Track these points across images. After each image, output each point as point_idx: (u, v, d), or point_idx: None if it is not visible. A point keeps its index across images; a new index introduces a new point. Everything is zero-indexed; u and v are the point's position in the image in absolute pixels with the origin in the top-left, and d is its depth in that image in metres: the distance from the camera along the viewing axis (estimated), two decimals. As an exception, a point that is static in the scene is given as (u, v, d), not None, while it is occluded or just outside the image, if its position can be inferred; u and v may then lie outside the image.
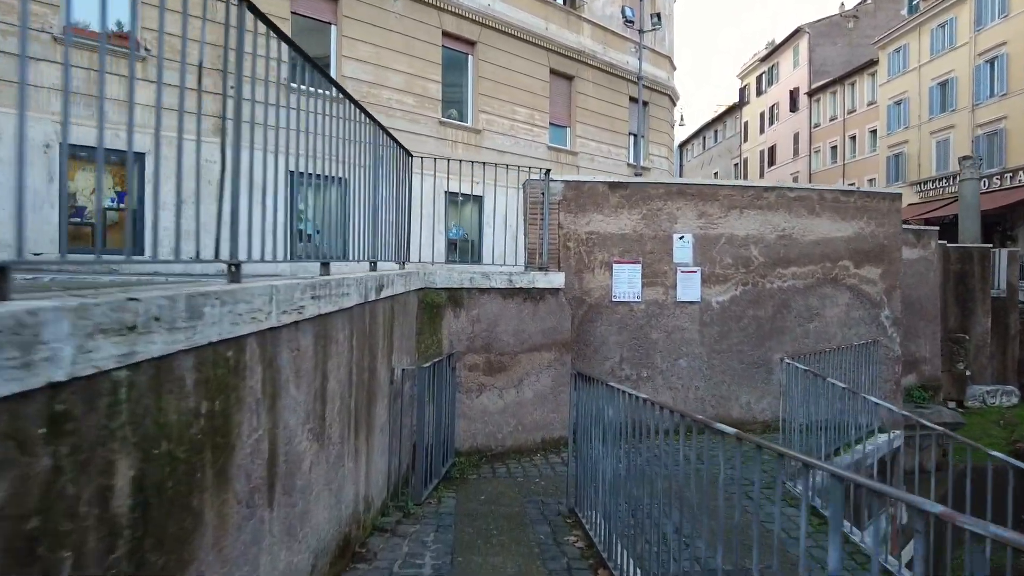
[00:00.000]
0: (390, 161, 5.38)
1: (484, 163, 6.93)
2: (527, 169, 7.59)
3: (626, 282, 7.76)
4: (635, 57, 22.37)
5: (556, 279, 7.05)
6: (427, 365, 5.20)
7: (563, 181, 7.68)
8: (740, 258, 8.12)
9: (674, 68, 26.32)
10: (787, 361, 5.99)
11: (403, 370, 5.13)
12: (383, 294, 4.51)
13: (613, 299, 7.72)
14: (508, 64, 17.51)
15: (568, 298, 7.48)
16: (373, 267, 4.91)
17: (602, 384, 4.50)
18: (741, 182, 8.23)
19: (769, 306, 8.20)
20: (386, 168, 5.32)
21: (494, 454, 6.76)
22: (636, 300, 7.78)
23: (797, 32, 42.58)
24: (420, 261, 6.91)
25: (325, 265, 3.74)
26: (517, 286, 6.89)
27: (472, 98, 16.53)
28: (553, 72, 19.02)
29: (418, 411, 5.14)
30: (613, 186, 7.79)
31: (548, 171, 7.14)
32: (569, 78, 19.76)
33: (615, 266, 7.74)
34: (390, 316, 4.87)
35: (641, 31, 20.93)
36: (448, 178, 6.95)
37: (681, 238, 7.95)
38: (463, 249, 10.45)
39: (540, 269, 7.19)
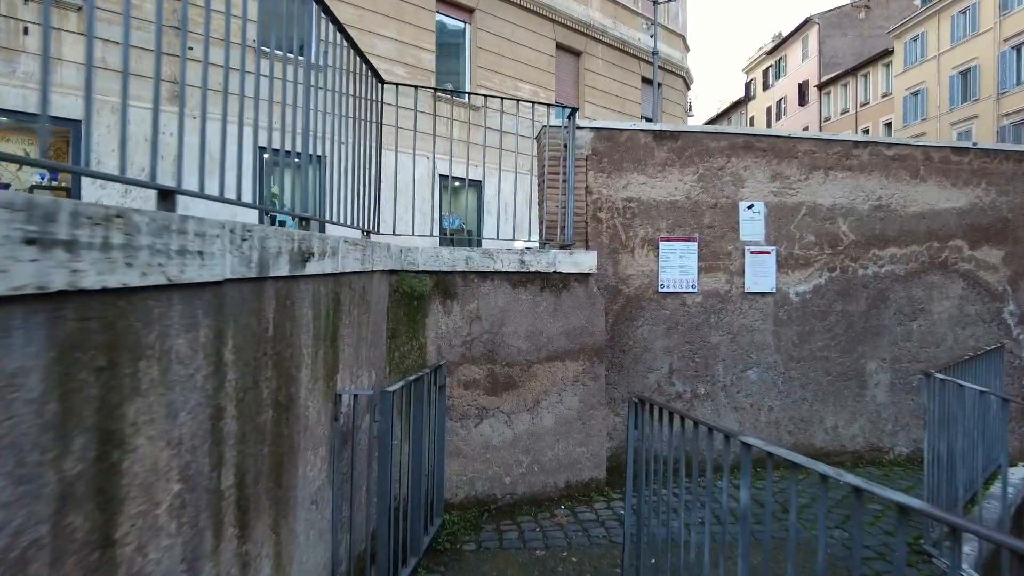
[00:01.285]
0: (347, 77, 3.51)
1: (485, 95, 5.05)
2: (530, 117, 5.72)
3: (677, 266, 5.89)
4: (647, 34, 20.64)
5: (585, 261, 5.18)
6: (396, 387, 3.33)
7: (592, 128, 5.80)
8: (825, 235, 6.25)
9: (688, 49, 24.59)
10: (939, 376, 4.11)
11: (356, 396, 3.24)
12: (312, 269, 2.64)
13: (660, 289, 5.86)
14: (510, 35, 15.79)
15: (600, 287, 5.60)
16: (305, 224, 3.04)
17: (697, 425, 2.65)
18: (825, 134, 6.34)
19: (862, 299, 6.33)
20: (337, 82, 3.46)
21: (500, 506, 4.89)
22: (690, 290, 5.92)
23: (806, 23, 41.03)
24: (396, 233, 5.03)
25: (166, 197, 1.87)
26: (532, 270, 5.01)
27: (470, 72, 14.86)
28: (560, 47, 17.38)
29: (381, 458, 3.26)
30: (659, 136, 5.92)
31: (574, 111, 5.27)
32: (577, 54, 18.10)
33: (662, 245, 5.87)
34: (331, 309, 2.99)
35: (655, 2, 19.15)
36: (433, 158, 5.08)
37: (750, 207, 6.08)
38: (460, 243, 8.56)
39: (563, 247, 5.33)
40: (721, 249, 6.02)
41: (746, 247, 6.05)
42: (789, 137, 6.22)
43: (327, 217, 3.54)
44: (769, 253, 6.09)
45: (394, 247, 4.45)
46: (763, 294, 6.09)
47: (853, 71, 37.10)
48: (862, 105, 36.49)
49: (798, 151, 6.21)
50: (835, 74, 38.43)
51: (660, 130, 5.92)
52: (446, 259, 4.79)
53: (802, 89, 41.65)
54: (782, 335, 6.13)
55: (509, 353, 4.95)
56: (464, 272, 4.86)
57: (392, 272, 4.52)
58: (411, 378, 3.70)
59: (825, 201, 6.26)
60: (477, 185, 12.94)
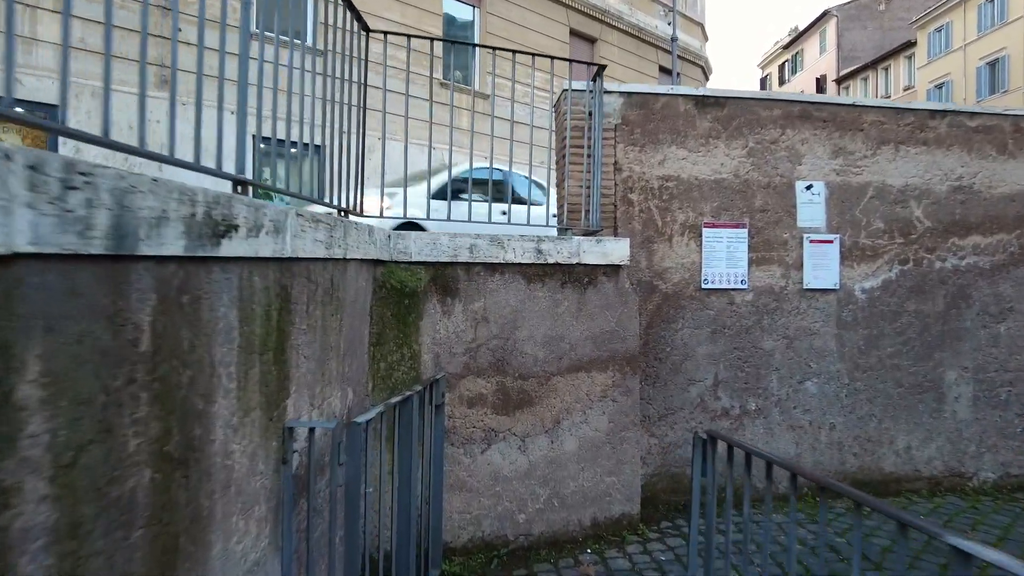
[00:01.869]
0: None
1: (494, 48, 4.18)
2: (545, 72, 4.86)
3: (724, 258, 5.00)
4: (664, 21, 19.80)
5: (615, 250, 4.31)
6: (370, 415, 2.47)
7: (622, 93, 4.92)
8: (896, 221, 5.34)
9: (706, 38, 23.67)
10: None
11: (312, 430, 2.38)
12: (235, 249, 1.78)
13: (703, 285, 4.97)
14: (521, 20, 15.01)
15: (632, 283, 4.72)
16: (241, 189, 2.19)
17: (823, 490, 1.77)
18: (896, 103, 5.42)
19: (939, 297, 5.41)
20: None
21: (512, 551, 4.02)
22: (739, 286, 5.03)
23: (824, 16, 39.95)
24: (383, 216, 4.17)
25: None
26: (551, 261, 4.15)
27: (480, 58, 14.11)
28: (574, 33, 16.64)
29: (350, 512, 2.41)
30: (702, 103, 5.03)
31: (601, 69, 4.38)
32: (591, 40, 17.35)
33: (706, 232, 4.99)
34: (274, 308, 2.14)
35: (673, -13, 18.27)
36: (425, 145, 4.23)
37: (808, 188, 5.18)
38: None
39: (588, 234, 4.46)
40: (775, 237, 5.13)
41: (804, 235, 5.15)
42: (854, 105, 5.31)
43: (281, 184, 2.69)
44: (831, 242, 5.19)
45: (380, 231, 3.60)
46: (824, 291, 5.19)
47: (873, 64, 35.94)
48: (883, 99, 35.42)
49: (864, 122, 5.30)
50: (854, 68, 37.23)
51: (703, 96, 5.03)
52: (445, 247, 3.93)
53: (820, 84, 40.46)
54: (846, 340, 5.22)
55: (523, 363, 4.08)
56: (468, 264, 4.00)
57: (377, 263, 3.68)
58: (396, 399, 2.84)
59: (895, 181, 5.34)
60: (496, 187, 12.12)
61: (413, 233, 3.91)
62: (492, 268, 4.06)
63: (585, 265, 4.29)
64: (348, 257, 2.97)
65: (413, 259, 3.86)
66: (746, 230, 5.06)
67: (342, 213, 3.48)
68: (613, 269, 4.36)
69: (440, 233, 3.98)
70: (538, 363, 4.14)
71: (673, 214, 4.97)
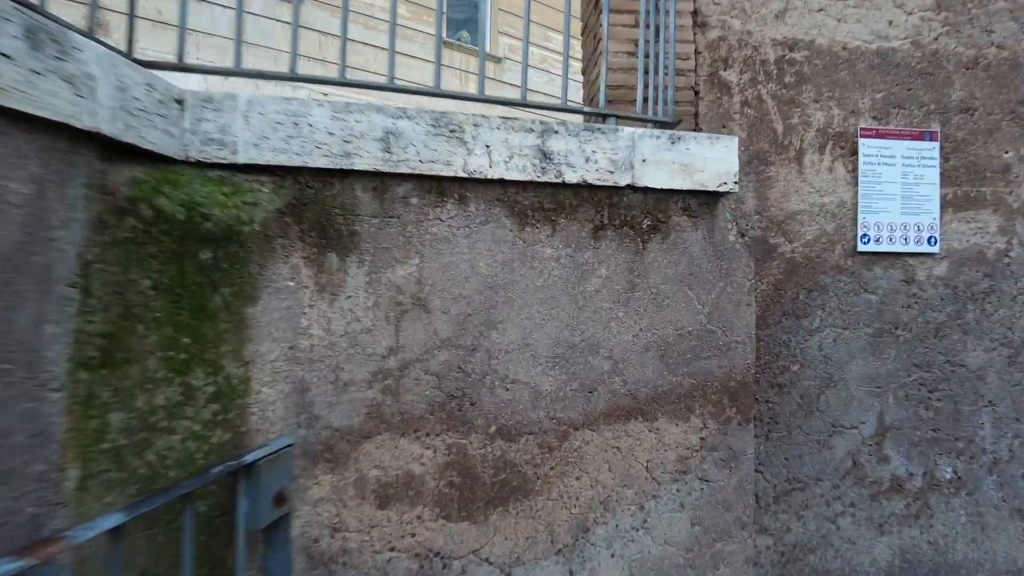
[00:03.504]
0: None
1: None
2: None
3: (896, 195, 2.74)
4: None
5: (710, 158, 2.09)
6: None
7: None
8: None
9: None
10: None
11: None
12: None
13: (860, 246, 2.72)
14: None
15: (741, 238, 2.46)
16: None
17: None
18: None
19: None
20: None
21: None
22: (925, 248, 2.77)
23: None
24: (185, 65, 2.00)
25: None
26: (570, 179, 1.96)
27: (490, 16, 11.90)
28: (601, -18, 14.31)
29: None
30: (862, -103, 2.77)
31: None
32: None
33: (866, 146, 2.73)
34: None
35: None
36: None
37: (1048, 69, 2.90)
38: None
39: (656, 124, 2.24)
40: (990, 159, 2.85)
41: (1044, 155, 2.87)
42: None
43: None
44: (1092, 169, 2.90)
45: (134, 76, 1.42)
46: (1078, 259, 2.91)
47: None
48: None
49: None
50: None
51: None
52: (322, 133, 1.74)
53: None
54: (1113, 349, 2.94)
55: (508, 401, 1.90)
56: (381, 176, 1.83)
57: (114, 150, 1.48)
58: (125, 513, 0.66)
59: None
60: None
61: (244, 97, 1.71)
62: (439, 191, 1.88)
63: (646, 191, 2.08)
64: None
65: (239, 159, 1.68)
66: (936, 144, 2.79)
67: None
68: (704, 202, 2.15)
69: (310, 102, 1.78)
70: (541, 401, 1.94)
71: (804, 111, 2.72)
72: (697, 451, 2.13)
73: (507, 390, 1.93)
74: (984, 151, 2.86)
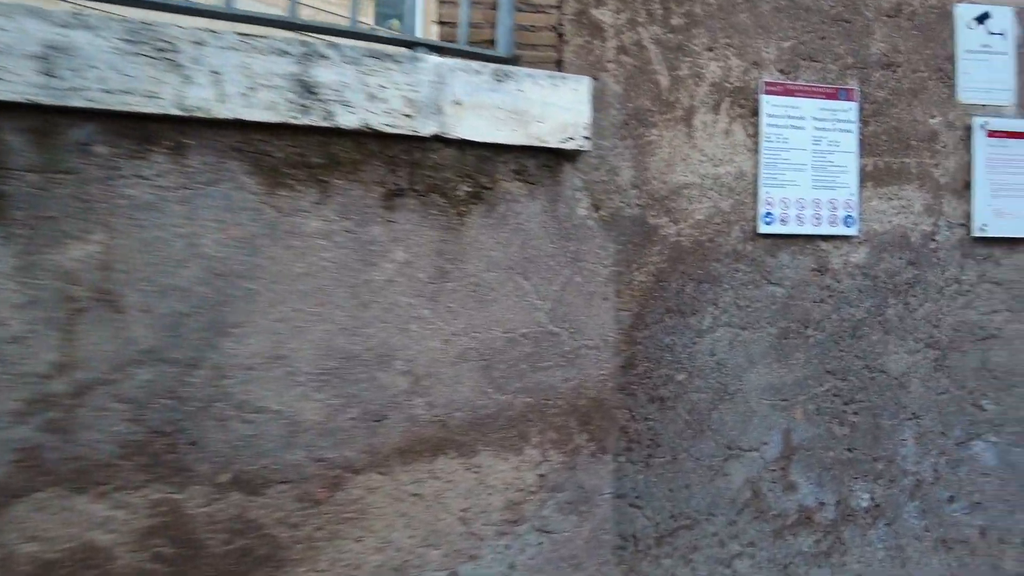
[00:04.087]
0: None
1: None
2: None
3: (806, 164, 2.29)
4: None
5: (552, 105, 1.58)
6: None
7: None
8: None
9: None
10: None
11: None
12: None
13: (763, 226, 2.25)
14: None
15: (602, 214, 1.95)
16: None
17: None
18: None
19: None
20: None
21: None
22: (842, 231, 2.32)
23: None
24: None
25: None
26: (347, 123, 1.42)
27: None
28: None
29: None
30: None
31: None
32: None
33: (769, 104, 2.27)
34: None
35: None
36: None
37: (981, 20, 2.48)
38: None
39: (482, 59, 1.72)
40: (915, 124, 2.42)
41: (975, 120, 2.46)
42: None
43: None
44: (1031, 139, 2.51)
45: None
46: (1014, 243, 2.51)
47: None
48: None
49: None
50: None
51: None
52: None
53: None
54: (1052, 349, 2.56)
55: (246, 436, 1.35)
56: (42, 111, 1.25)
57: None
58: None
59: None
60: None
61: None
62: (141, 136, 1.31)
63: (463, 145, 1.56)
64: None
65: None
66: (854, 105, 2.34)
67: None
68: (545, 163, 1.64)
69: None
70: (301, 436, 1.40)
71: (695, 61, 2.23)
72: (534, 493, 1.62)
73: (248, 422, 1.37)
74: (908, 115, 2.43)
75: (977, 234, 2.45)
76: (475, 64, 1.56)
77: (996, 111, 2.50)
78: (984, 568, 2.49)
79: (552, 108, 1.61)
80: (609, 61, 2.16)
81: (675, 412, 2.18)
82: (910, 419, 2.40)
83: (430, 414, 1.52)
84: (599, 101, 2.12)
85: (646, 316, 2.17)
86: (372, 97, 1.46)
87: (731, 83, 2.26)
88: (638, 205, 2.17)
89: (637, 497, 2.14)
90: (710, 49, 2.25)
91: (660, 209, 2.19)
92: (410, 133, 1.50)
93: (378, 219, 1.49)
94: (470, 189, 1.57)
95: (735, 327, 2.22)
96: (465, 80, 1.55)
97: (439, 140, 1.54)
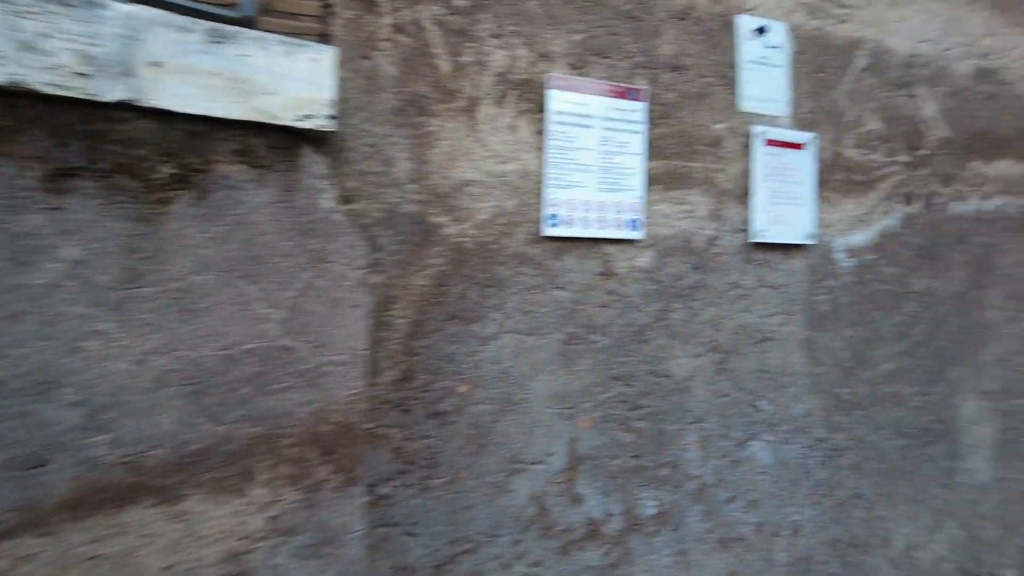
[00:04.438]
0: None
1: None
2: None
3: (594, 165, 2.22)
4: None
5: (293, 75, 1.33)
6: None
7: None
8: (898, 121, 2.91)
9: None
10: None
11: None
12: None
13: (547, 229, 2.14)
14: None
15: (370, 212, 1.72)
16: None
17: None
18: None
19: (955, 264, 3.10)
20: None
21: None
22: (628, 234, 2.28)
23: None
24: None
25: None
26: None
27: None
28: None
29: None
30: None
31: None
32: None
33: (557, 99, 2.17)
34: None
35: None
36: None
37: (760, 31, 2.57)
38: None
39: (202, 16, 1.41)
40: (701, 129, 2.44)
41: (753, 129, 2.53)
42: None
43: None
44: (801, 147, 2.63)
45: None
46: (787, 249, 2.62)
47: None
48: None
49: (850, -77, 2.80)
50: None
51: None
52: None
53: None
54: (820, 348, 2.70)
55: None
56: None
57: None
58: None
59: (899, 44, 2.92)
60: None
61: None
62: None
63: (166, 117, 1.26)
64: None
65: None
66: (643, 106, 2.31)
67: None
68: (278, 145, 1.38)
69: None
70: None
71: (480, 47, 2.07)
72: (263, 539, 1.36)
73: None
74: (695, 119, 2.45)
75: (755, 240, 2.53)
76: (182, 19, 1.27)
77: (773, 121, 2.60)
78: (759, 563, 2.58)
79: (285, 80, 1.36)
80: (383, 40, 1.94)
81: (456, 427, 2.01)
82: (694, 423, 2.42)
83: (115, 455, 1.21)
84: (370, 83, 1.89)
85: (426, 323, 1.98)
86: (27, 47, 1.12)
87: (518, 75, 2.13)
88: (417, 201, 1.97)
89: (413, 524, 1.94)
90: (496, 36, 2.10)
91: (441, 207, 2.00)
92: (86, 98, 1.18)
93: (38, 205, 1.15)
94: (175, 171, 1.27)
95: (520, 333, 2.09)
96: (168, 37, 1.25)
97: (130, 109, 1.23)
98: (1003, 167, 3.25)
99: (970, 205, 3.14)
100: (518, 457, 2.08)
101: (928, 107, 3.01)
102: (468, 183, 2.04)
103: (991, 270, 3.22)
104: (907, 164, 2.93)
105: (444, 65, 2.03)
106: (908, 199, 2.95)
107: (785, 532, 2.64)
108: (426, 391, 1.96)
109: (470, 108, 2.05)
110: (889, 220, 2.89)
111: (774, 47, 2.60)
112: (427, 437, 1.96)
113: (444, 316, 2.00)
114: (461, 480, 2.01)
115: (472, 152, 2.05)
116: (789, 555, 2.65)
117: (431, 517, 1.97)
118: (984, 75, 3.18)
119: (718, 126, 2.47)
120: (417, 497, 1.94)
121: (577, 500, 2.18)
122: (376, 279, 1.88)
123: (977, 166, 3.17)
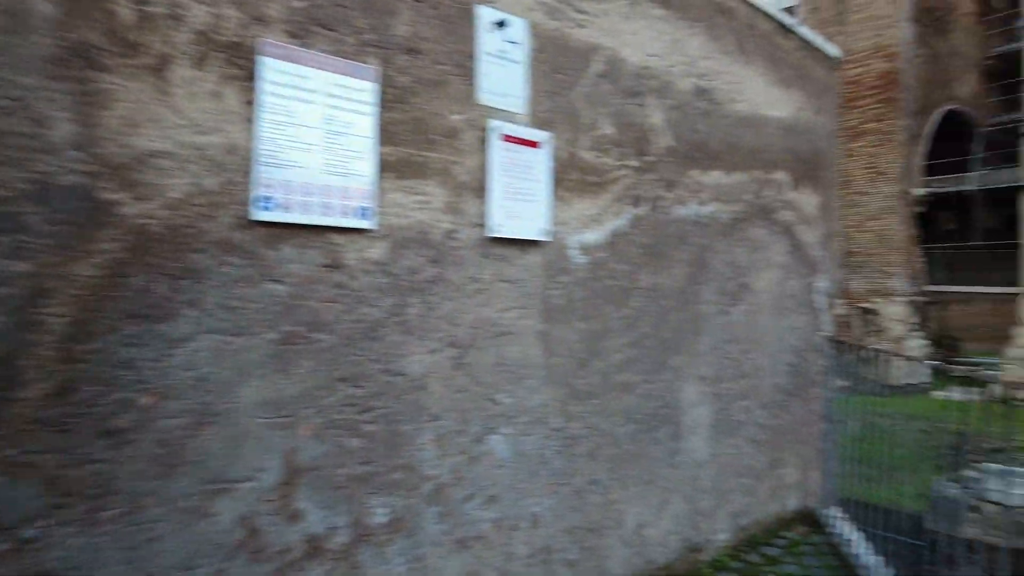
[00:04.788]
0: None
1: None
2: None
3: (318, 145, 2.01)
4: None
5: None
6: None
7: None
8: (630, 127, 3.09)
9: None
10: None
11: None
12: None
13: (260, 209, 1.89)
14: None
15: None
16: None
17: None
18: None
19: (677, 264, 3.39)
20: None
21: None
22: (359, 223, 2.10)
23: None
24: None
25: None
26: None
27: None
28: None
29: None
30: None
31: None
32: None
33: (271, 69, 1.92)
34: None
35: None
36: None
37: (501, 25, 2.54)
38: None
39: None
40: (436, 117, 2.34)
41: (490, 123, 2.50)
42: None
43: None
44: (537, 145, 2.66)
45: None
46: (524, 245, 2.64)
47: None
48: None
49: (587, -67, 2.91)
50: None
51: None
52: None
53: None
54: (556, 340, 2.77)
55: None
56: None
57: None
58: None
59: (632, 56, 3.10)
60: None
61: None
62: None
63: None
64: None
65: None
66: (373, 86, 2.15)
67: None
68: None
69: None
70: None
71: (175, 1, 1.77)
72: None
73: None
74: (432, 107, 2.35)
75: (492, 234, 2.50)
76: None
77: (511, 117, 2.60)
78: (498, 559, 2.57)
79: None
80: (33, -29, 1.56)
81: (137, 447, 1.68)
82: (430, 421, 2.32)
83: None
84: (15, 20, 1.51)
85: (94, 323, 1.63)
86: None
87: (223, 35, 1.85)
88: (82, 172, 1.61)
89: (74, 569, 1.58)
90: (195, -12, 1.81)
91: (118, 181, 1.66)
92: None
93: None
94: None
95: (224, 334, 1.82)
96: None
97: None
98: (716, 176, 3.64)
99: (690, 209, 3.46)
100: (221, 476, 1.81)
101: (655, 116, 3.26)
102: (155, 154, 1.72)
103: (706, 268, 3.58)
104: (636, 168, 3.14)
105: (125, 12, 1.69)
106: (636, 201, 3.16)
107: (524, 525, 2.66)
108: (94, 406, 1.62)
109: (159, 67, 1.73)
110: (620, 220, 3.07)
111: (514, 42, 2.60)
112: (95, 461, 1.61)
113: (121, 314, 1.66)
114: (144, 509, 1.69)
115: (161, 118, 1.73)
116: (529, 547, 2.68)
117: (102, 557, 1.62)
118: (701, 93, 3.52)
119: (456, 117, 2.40)
120: (80, 536, 1.58)
121: (296, 517, 1.96)
122: (20, 267, 1.50)
123: (696, 174, 3.50)
